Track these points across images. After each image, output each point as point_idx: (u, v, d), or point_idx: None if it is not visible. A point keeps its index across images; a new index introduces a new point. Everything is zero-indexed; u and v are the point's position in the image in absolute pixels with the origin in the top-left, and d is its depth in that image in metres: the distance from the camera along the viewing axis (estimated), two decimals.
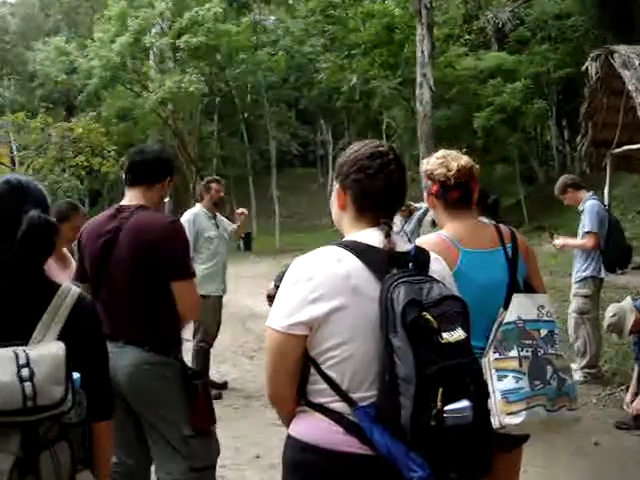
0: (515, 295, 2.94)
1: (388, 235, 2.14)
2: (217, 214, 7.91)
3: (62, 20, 48.09)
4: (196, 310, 3.63)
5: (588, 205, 7.19)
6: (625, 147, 8.95)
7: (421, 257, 2.21)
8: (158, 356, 3.40)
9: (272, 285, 5.96)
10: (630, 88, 7.99)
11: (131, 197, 3.55)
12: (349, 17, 29.76)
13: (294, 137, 47.12)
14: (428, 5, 22.72)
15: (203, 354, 7.55)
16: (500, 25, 32.10)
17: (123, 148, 37.75)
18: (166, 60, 35.04)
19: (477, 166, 3.10)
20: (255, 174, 40.81)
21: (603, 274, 7.35)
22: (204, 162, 38.98)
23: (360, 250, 2.12)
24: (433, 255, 2.30)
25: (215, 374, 8.13)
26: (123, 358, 3.31)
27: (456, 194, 3.01)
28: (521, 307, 2.91)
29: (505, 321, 2.87)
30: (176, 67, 32.93)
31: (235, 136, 42.22)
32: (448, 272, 2.34)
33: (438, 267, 2.26)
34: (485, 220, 5.71)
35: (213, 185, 7.80)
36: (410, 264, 2.13)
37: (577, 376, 7.17)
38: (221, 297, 7.83)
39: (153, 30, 32.50)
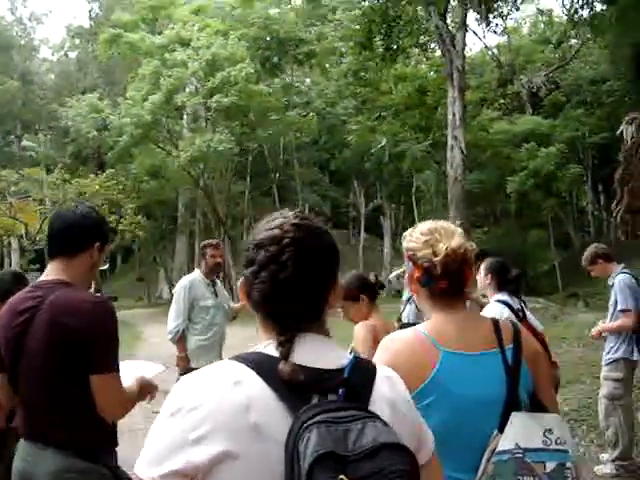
0: (514, 414, 2.21)
1: (285, 355, 1.50)
2: (216, 281, 7.30)
3: (99, 78, 48.97)
4: (117, 411, 2.97)
5: (619, 279, 6.57)
6: None
7: (359, 378, 1.53)
8: (84, 463, 2.82)
9: None
10: None
11: (50, 270, 3.01)
12: (381, 79, 29.70)
13: (326, 198, 47.03)
14: (460, 68, 22.50)
15: None
16: (535, 89, 32.00)
17: (154, 206, 38.24)
18: (199, 119, 35.26)
19: (473, 246, 2.40)
20: None
21: (636, 356, 6.67)
22: (234, 221, 38.86)
23: (266, 368, 1.48)
24: (384, 372, 1.63)
25: None
26: (42, 463, 2.79)
27: (443, 284, 2.32)
28: (521, 431, 2.18)
29: (499, 449, 2.15)
30: (208, 126, 33.07)
31: (267, 196, 42.18)
32: (403, 397, 1.63)
33: (386, 391, 1.58)
34: (501, 297, 5.20)
35: (208, 250, 7.09)
36: (340, 390, 1.47)
37: (608, 469, 6.58)
38: None
39: (186, 89, 32.71)
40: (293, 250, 1.54)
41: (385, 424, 1.41)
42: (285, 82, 36.26)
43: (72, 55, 57.02)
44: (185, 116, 35.41)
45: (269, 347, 1.55)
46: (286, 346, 1.51)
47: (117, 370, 2.88)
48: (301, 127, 34.81)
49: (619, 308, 6.51)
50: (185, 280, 7.13)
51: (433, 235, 2.33)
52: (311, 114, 35.66)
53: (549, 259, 34.42)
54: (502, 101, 36.39)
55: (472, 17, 25.43)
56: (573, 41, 35.75)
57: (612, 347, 6.67)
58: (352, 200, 50.61)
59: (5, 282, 4.29)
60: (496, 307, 4.99)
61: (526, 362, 2.31)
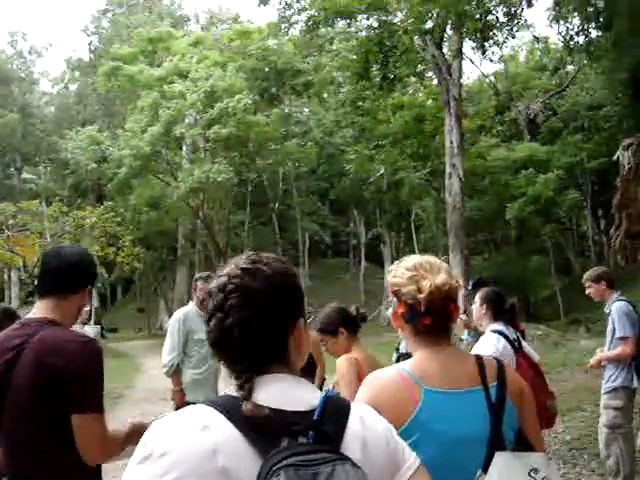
0: (498, 454, 2.14)
1: (245, 396, 1.50)
2: None
3: (98, 110, 49.23)
4: (98, 453, 2.86)
5: (616, 307, 6.50)
6: None
7: (331, 419, 1.51)
8: None
9: None
10: None
11: (40, 309, 2.97)
12: (378, 108, 29.84)
13: (325, 227, 47.11)
14: (457, 96, 22.63)
15: None
16: (532, 116, 32.15)
17: (154, 237, 38.27)
18: (198, 150, 35.40)
19: (458, 282, 2.35)
20: None
21: (636, 383, 6.59)
22: (234, 252, 38.83)
23: (236, 412, 1.47)
24: (357, 411, 1.61)
25: None
26: None
27: (427, 321, 2.27)
28: (505, 470, 2.10)
29: None
30: (207, 157, 33.19)
31: (266, 226, 42.21)
32: (375, 431, 1.60)
33: (359, 429, 1.55)
34: (497, 327, 5.16)
35: (199, 283, 6.97)
36: (310, 431, 1.45)
37: None
38: None
39: (185, 120, 32.87)
40: (238, 296, 1.56)
41: (355, 466, 1.39)
42: (283, 112, 36.45)
43: (72, 88, 57.37)
44: (184, 147, 35.58)
45: (234, 389, 1.56)
46: (245, 387, 1.51)
47: (101, 411, 2.83)
48: (300, 157, 34.97)
49: (617, 336, 6.44)
50: (179, 313, 7.06)
51: (418, 271, 2.28)
52: (310, 144, 35.82)
53: (550, 285, 34.34)
54: (500, 128, 36.56)
55: (468, 45, 25.61)
56: (570, 67, 35.98)
57: (611, 375, 6.58)
58: (352, 229, 50.69)
59: None
60: (492, 337, 4.93)
61: (511, 399, 2.26)
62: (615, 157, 8.65)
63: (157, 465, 1.42)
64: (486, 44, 24.40)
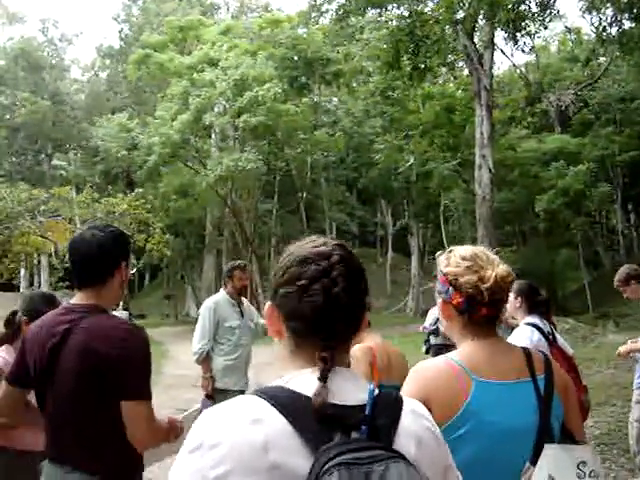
0: (547, 446, 2.14)
1: (323, 379, 1.45)
2: (243, 300, 7.26)
3: (129, 98, 49.46)
4: (149, 439, 2.91)
5: None
6: None
7: (383, 413, 1.47)
8: None
9: None
10: None
11: (83, 296, 2.99)
12: (408, 98, 29.69)
13: (352, 217, 47.01)
14: (487, 87, 22.45)
15: None
16: (563, 108, 31.79)
17: (182, 224, 38.46)
18: (227, 138, 35.43)
19: (513, 275, 2.32)
20: None
21: None
22: (261, 240, 38.92)
23: (288, 405, 1.43)
24: (410, 405, 1.57)
25: None
26: None
27: (486, 311, 2.25)
28: (555, 464, 2.11)
29: None
30: (236, 145, 33.22)
31: (294, 214, 42.22)
32: (430, 432, 1.57)
33: (412, 425, 1.52)
34: (531, 320, 5.14)
35: (236, 273, 7.03)
36: (362, 426, 1.41)
37: None
38: (242, 392, 7.15)
39: (215, 109, 32.92)
40: (343, 267, 1.53)
41: (409, 464, 1.37)
42: (312, 101, 36.38)
43: (102, 75, 57.80)
44: (213, 135, 35.65)
45: (292, 382, 1.50)
46: (328, 363, 1.48)
47: (149, 398, 2.87)
48: (328, 146, 34.85)
49: None
50: (210, 301, 7.09)
51: (475, 261, 2.27)
52: (338, 133, 35.71)
53: (579, 279, 34.11)
54: (530, 119, 36.20)
55: (500, 36, 25.38)
56: (602, 59, 35.51)
57: None
58: (379, 219, 50.55)
59: (35, 302, 4.26)
60: (526, 330, 4.90)
61: (558, 392, 2.26)
62: None
63: (207, 457, 1.40)
64: (518, 34, 24.17)
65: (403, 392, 2.12)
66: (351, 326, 1.56)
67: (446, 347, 11.26)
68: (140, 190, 28.42)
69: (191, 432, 1.47)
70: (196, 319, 7.27)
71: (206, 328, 6.86)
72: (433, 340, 11.46)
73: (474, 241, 28.94)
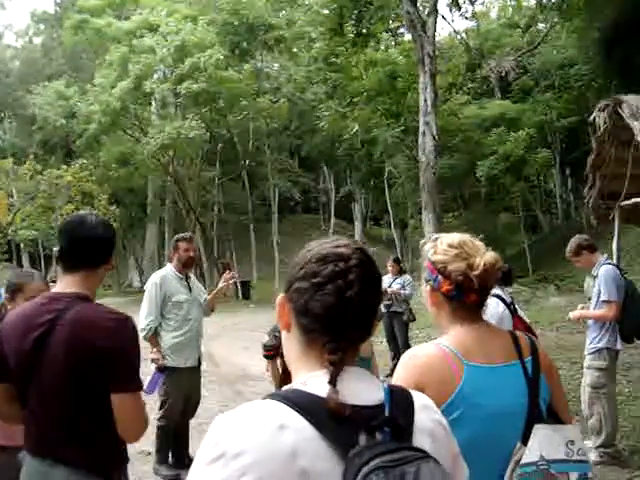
0: (537, 426, 2.22)
1: (333, 382, 1.44)
2: (190, 275, 7.12)
3: (65, 64, 48.19)
4: (139, 431, 2.89)
5: (603, 270, 6.58)
6: (635, 199, 8.44)
7: (400, 412, 1.48)
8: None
9: (267, 338, 5.35)
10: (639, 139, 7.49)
11: (67, 283, 2.90)
12: (351, 65, 29.58)
13: (296, 184, 46.96)
14: (431, 54, 22.48)
15: (161, 435, 6.75)
16: (503, 74, 32.08)
17: (123, 194, 37.90)
18: (168, 106, 34.92)
19: (501, 261, 2.36)
20: (256, 221, 40.49)
21: (619, 345, 6.74)
22: (204, 208, 38.64)
23: (310, 408, 1.41)
24: (420, 400, 1.59)
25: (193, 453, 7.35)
26: None
27: (475, 297, 2.30)
28: (545, 442, 2.20)
29: (524, 461, 2.16)
30: (177, 113, 32.80)
31: (236, 182, 41.95)
32: (441, 425, 1.61)
33: (426, 421, 1.55)
34: (495, 291, 5.24)
35: (181, 244, 6.91)
36: (385, 427, 1.41)
37: (592, 456, 6.52)
38: (195, 368, 6.99)
39: (155, 76, 32.39)
40: (360, 271, 1.52)
41: (437, 463, 1.39)
42: (255, 68, 36.05)
43: (37, 41, 56.16)
44: (154, 103, 35.06)
45: (310, 384, 1.48)
46: (337, 367, 1.46)
47: (141, 388, 2.85)
48: (271, 113, 34.63)
49: (602, 299, 6.52)
50: (156, 276, 6.95)
51: (463, 249, 2.30)
52: (282, 100, 35.49)
53: (519, 242, 34.72)
54: (471, 85, 36.49)
55: (442, 2, 25.47)
56: (541, 25, 36.00)
57: (595, 337, 6.69)
58: (322, 186, 50.62)
59: (12, 279, 4.20)
60: (492, 302, 4.98)
61: (542, 373, 2.33)
62: (590, 118, 8.64)
63: (232, 466, 1.35)
64: (461, 1, 24.29)
65: (397, 380, 2.16)
66: (361, 331, 1.55)
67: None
68: (85, 161, 27.79)
69: (208, 440, 1.43)
70: (139, 289, 7.17)
71: (153, 304, 6.72)
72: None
73: (416, 206, 29.18)
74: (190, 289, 6.93)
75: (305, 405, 1.42)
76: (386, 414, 1.45)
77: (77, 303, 2.80)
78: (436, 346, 2.29)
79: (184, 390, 6.80)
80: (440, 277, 2.32)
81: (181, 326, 6.76)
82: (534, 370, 2.30)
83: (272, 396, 1.47)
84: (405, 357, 2.29)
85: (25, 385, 2.81)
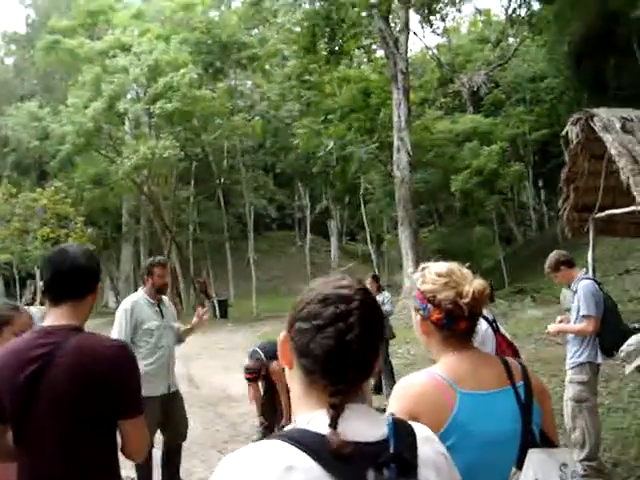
0: (531, 451, 2.25)
1: (333, 425, 1.43)
2: (163, 299, 6.84)
3: (37, 85, 47.87)
4: (145, 450, 2.99)
5: (582, 285, 6.64)
6: (608, 211, 8.58)
7: (404, 446, 1.48)
8: None
9: (247, 360, 5.28)
10: (612, 152, 7.59)
11: (57, 316, 2.87)
12: (325, 82, 29.75)
13: (271, 201, 46.97)
14: (404, 70, 22.71)
15: (139, 468, 6.44)
16: (475, 88, 32.44)
17: (97, 214, 37.63)
18: (142, 125, 34.79)
19: (489, 288, 2.39)
20: (232, 238, 40.41)
21: (600, 359, 6.79)
22: (180, 228, 38.52)
23: (317, 448, 1.39)
24: (421, 433, 1.59)
25: (182, 472, 7.25)
26: None
27: (464, 325, 2.32)
28: (539, 466, 2.24)
29: None
30: (151, 132, 32.68)
31: (212, 201, 41.88)
32: (444, 456, 1.62)
33: (429, 453, 1.55)
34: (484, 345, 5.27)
35: (156, 269, 6.64)
36: (392, 463, 1.41)
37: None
38: (172, 394, 6.70)
39: (128, 95, 32.29)
40: (360, 314, 1.51)
41: None
42: (229, 86, 36.05)
43: (8, 62, 55.77)
44: (127, 122, 34.92)
45: (313, 422, 1.47)
46: (337, 410, 1.45)
47: (142, 413, 2.87)
48: (246, 131, 34.62)
49: (582, 314, 6.58)
50: (127, 302, 6.66)
51: (451, 277, 2.32)
52: (256, 118, 35.53)
53: (494, 255, 34.95)
54: (443, 100, 36.83)
55: (414, 19, 25.70)
56: (511, 40, 36.44)
57: (576, 351, 6.74)
58: (298, 202, 50.65)
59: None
60: None
61: (535, 398, 2.36)
62: (563, 132, 8.77)
63: None
64: (432, 17, 24.54)
65: (391, 410, 2.15)
66: (362, 372, 1.54)
67: None
68: (58, 184, 27.56)
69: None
70: (115, 310, 6.95)
71: (123, 331, 6.44)
72: None
73: (392, 221, 29.30)
74: (162, 315, 6.71)
75: (311, 445, 1.40)
76: (391, 449, 1.45)
77: (73, 335, 2.79)
78: (428, 375, 2.30)
79: (158, 419, 6.47)
80: (430, 306, 2.34)
81: (151, 354, 6.50)
82: (527, 396, 2.32)
83: (277, 436, 1.45)
84: (398, 387, 2.30)
85: (21, 420, 2.76)
